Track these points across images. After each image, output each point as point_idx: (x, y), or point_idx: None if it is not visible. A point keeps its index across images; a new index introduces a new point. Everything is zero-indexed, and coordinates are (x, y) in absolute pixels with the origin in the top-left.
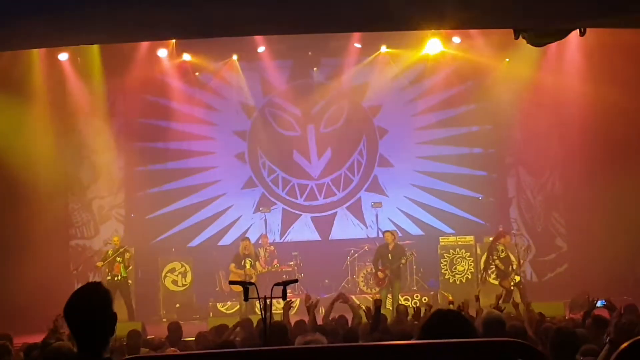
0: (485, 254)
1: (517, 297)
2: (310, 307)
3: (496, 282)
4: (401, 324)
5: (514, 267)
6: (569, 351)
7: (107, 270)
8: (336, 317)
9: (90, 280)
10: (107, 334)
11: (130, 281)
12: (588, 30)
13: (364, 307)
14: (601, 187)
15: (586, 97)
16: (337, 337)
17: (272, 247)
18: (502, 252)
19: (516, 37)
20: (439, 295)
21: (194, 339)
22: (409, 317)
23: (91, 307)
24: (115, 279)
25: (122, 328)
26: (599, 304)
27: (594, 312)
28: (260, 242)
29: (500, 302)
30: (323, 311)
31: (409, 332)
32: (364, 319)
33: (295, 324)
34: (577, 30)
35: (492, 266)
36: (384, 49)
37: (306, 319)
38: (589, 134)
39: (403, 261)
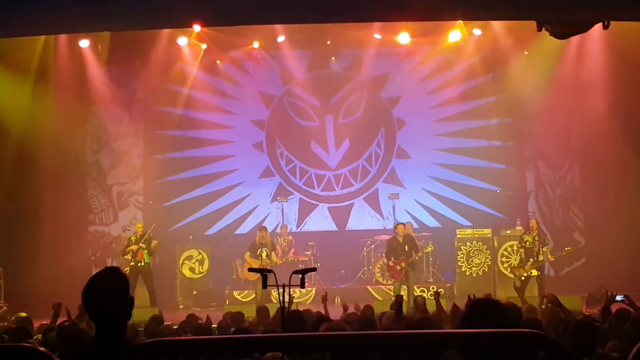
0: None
1: (533, 290)
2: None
3: (507, 271)
4: (420, 314)
5: (534, 260)
6: (589, 344)
7: (130, 256)
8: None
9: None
10: (123, 318)
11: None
12: (612, 23)
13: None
14: (620, 181)
15: (607, 91)
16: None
17: (290, 237)
18: (528, 243)
19: (539, 29)
20: (455, 288)
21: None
22: (429, 308)
23: (108, 291)
24: (139, 264)
25: (143, 314)
26: (618, 298)
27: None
28: (279, 231)
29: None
30: (339, 301)
31: (428, 323)
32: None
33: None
34: (601, 23)
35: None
36: (403, 40)
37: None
38: (609, 128)
39: (420, 254)
